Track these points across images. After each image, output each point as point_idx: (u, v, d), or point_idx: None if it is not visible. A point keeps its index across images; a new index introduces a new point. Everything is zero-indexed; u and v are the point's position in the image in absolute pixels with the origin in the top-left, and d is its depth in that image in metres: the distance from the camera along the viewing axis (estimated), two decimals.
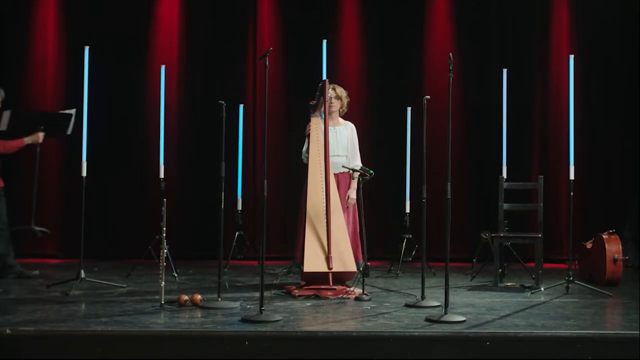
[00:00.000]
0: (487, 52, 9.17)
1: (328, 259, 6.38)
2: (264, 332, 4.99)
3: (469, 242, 8.78)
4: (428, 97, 6.26)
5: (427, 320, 5.36)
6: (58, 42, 9.05)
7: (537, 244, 7.07)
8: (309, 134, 6.81)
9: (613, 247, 7.13)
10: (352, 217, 6.91)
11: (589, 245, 7.48)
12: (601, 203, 9.04)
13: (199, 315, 5.54)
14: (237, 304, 5.88)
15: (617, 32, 9.12)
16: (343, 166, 6.89)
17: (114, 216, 8.98)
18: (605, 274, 7.08)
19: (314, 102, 6.82)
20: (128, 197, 8.97)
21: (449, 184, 5.60)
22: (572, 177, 6.86)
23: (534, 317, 5.57)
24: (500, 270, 7.16)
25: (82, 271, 6.64)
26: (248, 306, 5.86)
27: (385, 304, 6.07)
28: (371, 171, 6.52)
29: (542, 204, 7.18)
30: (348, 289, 6.38)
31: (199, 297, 5.88)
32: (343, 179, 6.93)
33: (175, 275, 7.35)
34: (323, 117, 6.81)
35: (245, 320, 5.28)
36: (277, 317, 5.35)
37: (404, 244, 8.02)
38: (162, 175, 7.58)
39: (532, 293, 6.67)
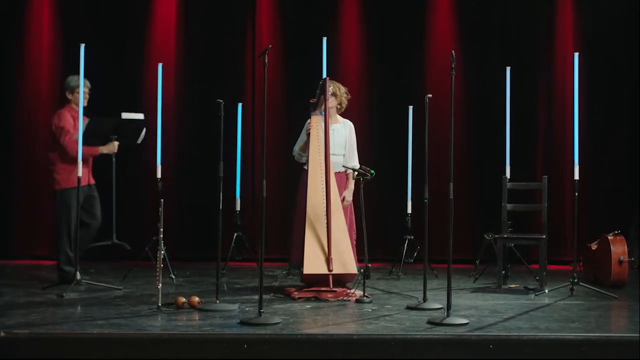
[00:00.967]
0: (489, 50, 9.13)
1: (328, 260, 6.31)
2: (263, 335, 4.95)
3: (471, 243, 8.73)
4: (430, 95, 6.23)
5: (429, 322, 5.34)
6: (53, 39, 9.00)
7: (541, 245, 7.00)
8: (309, 132, 6.72)
9: (619, 249, 7.09)
10: (349, 219, 6.81)
11: (594, 246, 7.44)
12: (606, 203, 8.99)
13: (197, 318, 5.50)
14: (235, 306, 5.85)
15: (621, 30, 9.07)
16: (343, 166, 6.80)
17: (109, 217, 8.88)
18: (611, 276, 7.05)
19: (315, 100, 6.72)
20: (124, 198, 8.86)
21: (451, 183, 5.55)
22: (576, 177, 6.80)
23: (537, 320, 5.53)
24: (503, 271, 7.11)
25: (78, 273, 6.58)
26: (247, 308, 5.83)
27: (387, 307, 6.04)
28: (372, 171, 6.45)
29: (546, 205, 7.12)
30: (349, 291, 6.32)
31: (196, 299, 5.84)
32: (340, 179, 6.82)
33: (173, 277, 7.31)
34: (323, 115, 6.71)
35: (244, 323, 5.24)
36: (277, 319, 5.32)
37: (406, 245, 8.00)
38: (159, 175, 7.50)
39: (536, 295, 6.64)
